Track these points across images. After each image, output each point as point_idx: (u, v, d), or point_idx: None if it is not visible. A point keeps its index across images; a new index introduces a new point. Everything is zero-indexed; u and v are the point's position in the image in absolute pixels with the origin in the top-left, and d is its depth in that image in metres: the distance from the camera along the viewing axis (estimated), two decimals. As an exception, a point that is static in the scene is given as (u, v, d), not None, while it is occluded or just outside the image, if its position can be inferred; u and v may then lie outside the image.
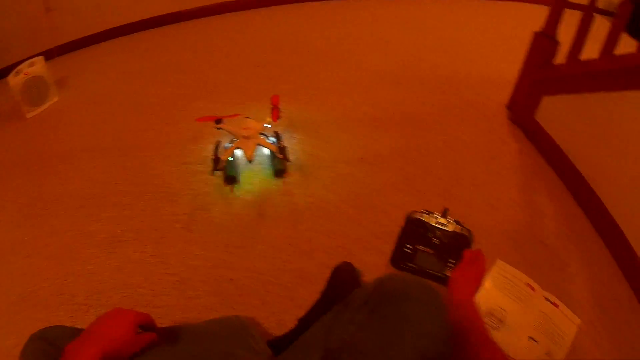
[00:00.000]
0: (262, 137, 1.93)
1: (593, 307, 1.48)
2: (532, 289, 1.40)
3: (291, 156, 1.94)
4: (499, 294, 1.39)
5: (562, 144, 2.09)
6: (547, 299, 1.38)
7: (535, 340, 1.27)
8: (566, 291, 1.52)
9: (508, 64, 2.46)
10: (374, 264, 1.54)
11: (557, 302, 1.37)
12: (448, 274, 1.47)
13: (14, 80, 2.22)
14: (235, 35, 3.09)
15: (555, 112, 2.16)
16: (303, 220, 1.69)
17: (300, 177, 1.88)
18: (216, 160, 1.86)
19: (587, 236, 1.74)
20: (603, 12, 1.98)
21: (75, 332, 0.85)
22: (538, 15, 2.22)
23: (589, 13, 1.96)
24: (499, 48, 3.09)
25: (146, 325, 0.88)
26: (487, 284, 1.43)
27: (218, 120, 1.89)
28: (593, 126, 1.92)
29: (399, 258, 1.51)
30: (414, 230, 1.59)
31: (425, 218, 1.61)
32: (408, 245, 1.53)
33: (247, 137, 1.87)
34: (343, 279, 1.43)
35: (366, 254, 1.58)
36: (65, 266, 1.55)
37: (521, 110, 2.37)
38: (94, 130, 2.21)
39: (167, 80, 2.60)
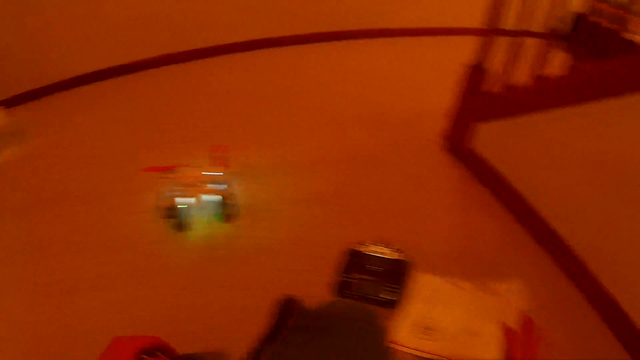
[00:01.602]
0: (211, 184, 2.08)
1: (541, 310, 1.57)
2: (462, 288, 1.49)
3: (239, 201, 2.09)
4: (423, 306, 1.48)
5: (499, 167, 2.22)
6: (482, 291, 1.46)
7: (476, 334, 1.34)
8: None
9: (441, 95, 2.64)
10: (318, 295, 1.69)
11: (495, 287, 1.46)
12: (387, 297, 1.60)
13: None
14: (185, 86, 3.25)
15: (490, 138, 2.29)
16: (250, 260, 1.84)
17: (248, 220, 2.03)
18: (167, 208, 1.99)
19: (528, 248, 1.89)
20: (533, 35, 2.09)
21: None
22: (466, 46, 2.38)
23: (516, 39, 2.07)
24: (432, 81, 3.33)
25: (154, 348, 0.86)
26: (411, 301, 1.52)
27: (168, 170, 2.02)
28: (526, 145, 2.05)
29: (341, 287, 1.65)
30: (354, 261, 1.73)
31: (363, 249, 1.79)
32: (349, 275, 1.68)
33: (196, 185, 2.02)
34: (287, 310, 1.58)
35: (310, 286, 1.71)
36: (27, 315, 1.62)
37: (456, 139, 2.51)
38: (49, 182, 2.28)
39: (119, 130, 2.70)
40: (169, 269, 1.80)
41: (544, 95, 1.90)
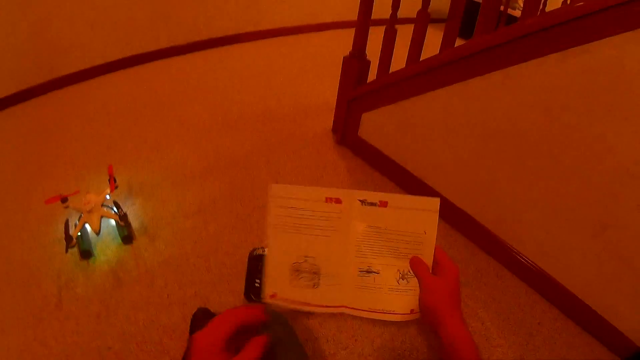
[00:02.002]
0: (104, 208, 2.19)
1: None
2: (336, 201, 0.96)
3: (134, 221, 2.24)
4: (297, 239, 0.98)
5: (387, 151, 2.45)
6: (366, 203, 0.94)
7: (372, 272, 0.95)
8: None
9: (329, 90, 2.80)
10: (229, 304, 1.93)
11: (387, 198, 0.94)
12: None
13: None
14: (67, 110, 3.16)
15: (378, 125, 2.49)
16: (156, 278, 2.03)
17: (147, 239, 2.21)
18: (68, 238, 2.09)
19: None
20: (410, 21, 2.16)
21: None
22: (347, 38, 2.50)
23: (390, 27, 2.25)
24: (318, 76, 3.52)
25: (244, 328, 0.73)
26: (277, 237, 1.00)
27: (64, 199, 2.11)
28: (414, 127, 2.26)
29: (250, 293, 1.82)
30: (260, 265, 1.83)
31: (265, 252, 1.98)
32: (256, 280, 1.84)
33: (90, 211, 2.13)
34: (201, 324, 1.78)
35: (220, 295, 1.96)
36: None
37: (345, 131, 2.71)
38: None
39: (10, 161, 2.65)
40: (82, 298, 1.95)
41: (425, 78, 2.09)
